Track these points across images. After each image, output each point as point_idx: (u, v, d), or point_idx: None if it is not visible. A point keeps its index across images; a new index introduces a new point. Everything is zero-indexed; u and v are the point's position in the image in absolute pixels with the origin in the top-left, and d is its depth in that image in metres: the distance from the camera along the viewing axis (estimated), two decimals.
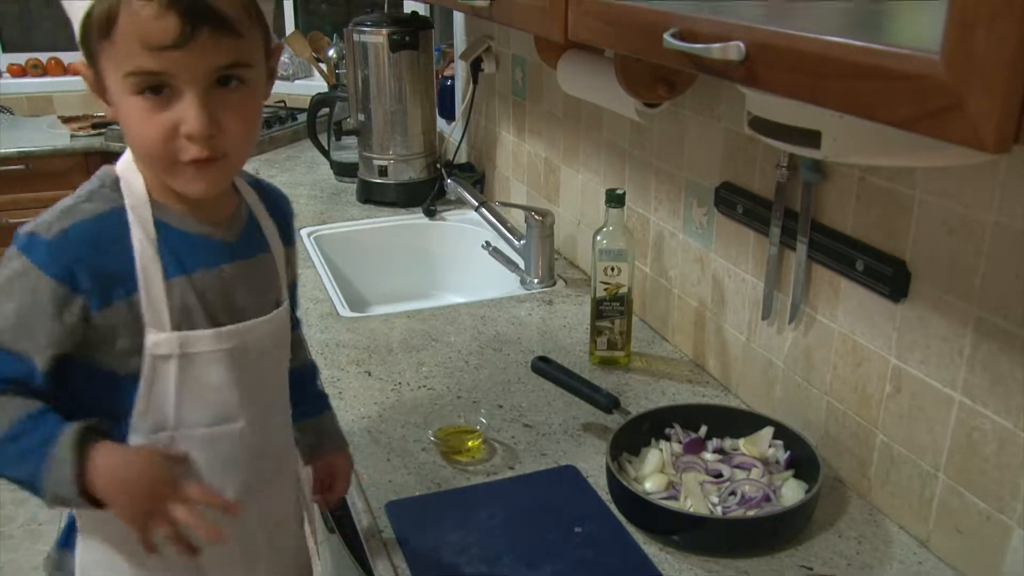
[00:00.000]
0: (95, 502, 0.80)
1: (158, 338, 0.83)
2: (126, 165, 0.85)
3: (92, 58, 0.78)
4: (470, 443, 1.20)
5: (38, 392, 0.82)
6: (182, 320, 0.84)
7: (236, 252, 0.90)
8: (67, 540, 0.94)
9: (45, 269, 0.78)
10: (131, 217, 0.82)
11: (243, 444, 0.90)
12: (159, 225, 0.84)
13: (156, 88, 0.76)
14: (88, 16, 0.75)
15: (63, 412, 0.82)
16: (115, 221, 0.82)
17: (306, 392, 1.07)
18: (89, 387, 0.86)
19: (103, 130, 3.10)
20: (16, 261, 0.79)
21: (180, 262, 0.84)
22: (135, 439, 0.85)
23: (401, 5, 2.90)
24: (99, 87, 0.80)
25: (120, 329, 0.82)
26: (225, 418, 0.88)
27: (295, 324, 1.06)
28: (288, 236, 0.99)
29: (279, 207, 0.99)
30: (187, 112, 0.76)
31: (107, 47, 0.75)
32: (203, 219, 0.87)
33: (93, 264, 0.80)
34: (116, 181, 0.85)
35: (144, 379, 0.84)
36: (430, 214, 2.18)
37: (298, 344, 1.08)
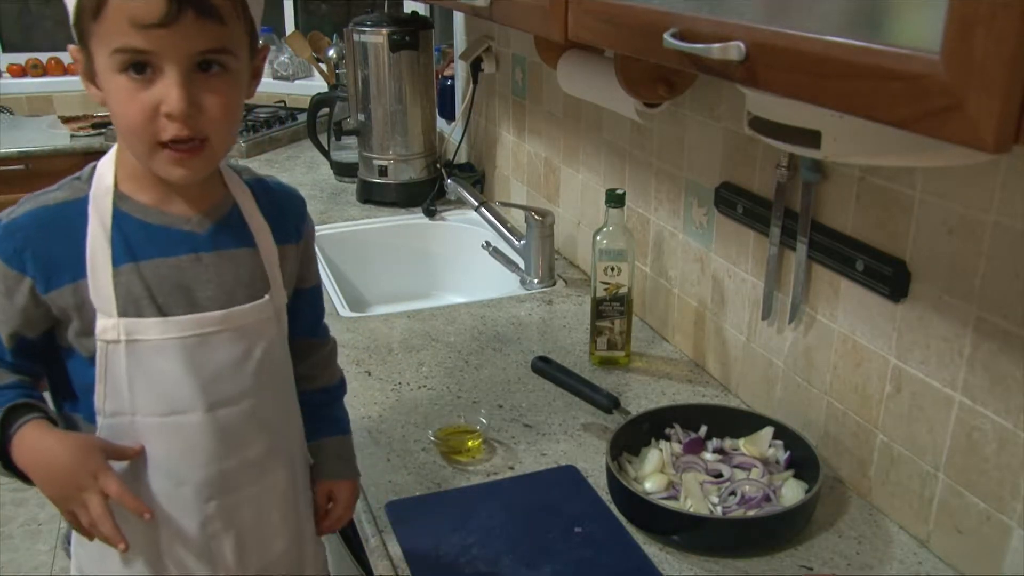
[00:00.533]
0: (22, 476, 0.84)
1: (105, 323, 0.85)
2: (107, 159, 0.89)
3: (83, 41, 0.80)
4: (470, 443, 1.21)
5: (13, 368, 0.87)
6: (128, 307, 0.85)
7: (204, 243, 0.89)
8: (69, 540, 0.96)
9: None
10: (91, 206, 0.86)
11: (204, 436, 0.89)
12: (116, 214, 0.86)
13: (139, 67, 0.77)
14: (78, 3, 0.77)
15: (54, 394, 0.87)
16: (75, 210, 0.85)
17: (322, 413, 1.06)
18: (58, 365, 0.89)
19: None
20: None
21: (131, 250, 0.86)
22: (100, 420, 0.87)
23: (401, 5, 2.90)
24: (89, 71, 0.82)
25: (70, 312, 0.85)
26: (178, 409, 0.88)
27: (310, 332, 1.04)
28: (287, 235, 0.97)
29: (280, 206, 0.98)
30: (168, 91, 0.78)
31: (96, 27, 0.77)
32: (172, 211, 0.88)
33: (40, 248, 0.83)
34: (91, 172, 0.88)
35: (98, 362, 0.86)
36: (430, 214, 2.18)
37: (320, 361, 1.06)
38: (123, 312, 0.85)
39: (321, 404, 1.06)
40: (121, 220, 0.86)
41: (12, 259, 0.83)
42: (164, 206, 0.88)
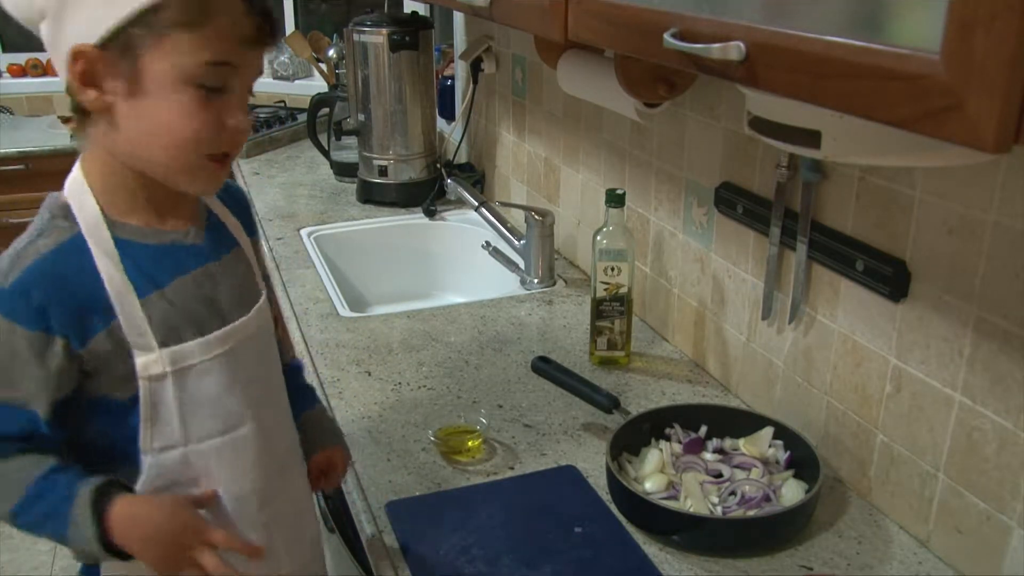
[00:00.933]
0: (123, 555, 0.81)
1: (147, 359, 0.82)
2: (74, 188, 0.83)
3: (127, 46, 0.75)
4: (470, 443, 1.20)
5: (47, 441, 0.82)
6: (168, 336, 0.83)
7: (207, 253, 0.89)
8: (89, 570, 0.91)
9: (14, 319, 0.77)
10: (90, 243, 0.80)
11: (254, 447, 0.90)
12: (120, 244, 0.82)
13: (215, 81, 0.78)
14: (156, 6, 0.74)
15: (73, 455, 0.83)
16: (74, 251, 0.80)
17: (296, 387, 1.06)
18: (92, 420, 0.85)
19: None
20: None
21: (151, 278, 0.83)
22: (147, 460, 0.84)
23: (401, 5, 2.90)
24: (109, 74, 0.77)
25: (110, 357, 0.81)
26: (232, 425, 0.88)
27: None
28: (251, 227, 0.98)
29: (237, 200, 0.98)
30: (235, 107, 0.81)
31: (178, 38, 0.75)
32: (168, 227, 0.86)
33: (62, 302, 0.78)
34: (66, 208, 0.82)
35: (143, 402, 0.83)
36: (430, 214, 2.18)
37: (282, 337, 1.06)
38: (163, 343, 0.82)
39: (294, 378, 1.05)
40: (125, 249, 0.82)
41: (35, 321, 0.77)
42: (160, 224, 0.86)
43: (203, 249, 0.88)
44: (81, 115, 0.81)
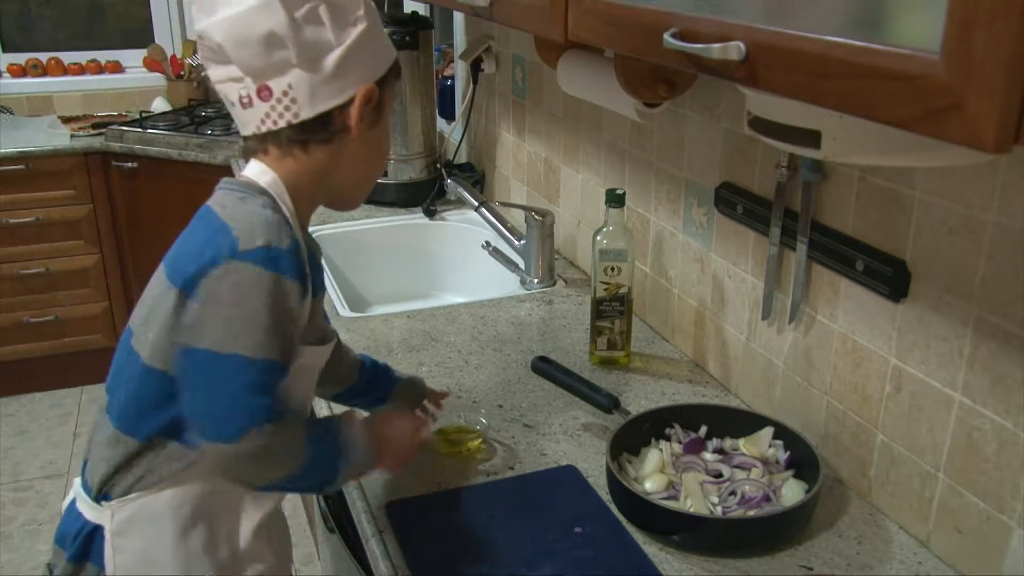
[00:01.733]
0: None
1: (299, 348, 0.95)
2: (274, 188, 0.94)
3: (382, 86, 0.97)
4: (470, 443, 1.20)
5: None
6: (308, 335, 0.96)
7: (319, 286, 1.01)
8: (84, 552, 0.96)
9: (290, 274, 0.87)
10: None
11: None
12: (307, 247, 0.95)
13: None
14: (394, 63, 1.00)
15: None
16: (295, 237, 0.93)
17: (378, 365, 1.23)
18: None
19: (103, 130, 3.10)
20: (267, 276, 0.85)
21: (315, 285, 0.96)
22: None
23: (401, 5, 2.90)
24: (375, 112, 0.96)
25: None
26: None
27: None
28: (322, 284, 1.08)
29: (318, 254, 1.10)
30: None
31: (395, 83, 1.00)
32: (311, 245, 0.99)
33: (307, 268, 0.92)
34: (271, 199, 0.93)
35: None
36: (430, 214, 2.18)
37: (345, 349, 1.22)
38: (303, 339, 0.95)
39: (373, 363, 1.22)
40: (309, 256, 0.94)
41: (303, 278, 0.90)
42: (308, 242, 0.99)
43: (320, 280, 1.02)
44: (314, 135, 0.94)
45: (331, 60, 0.91)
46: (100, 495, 0.96)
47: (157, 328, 0.89)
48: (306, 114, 0.91)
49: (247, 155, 0.96)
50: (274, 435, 0.86)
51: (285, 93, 0.90)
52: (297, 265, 0.88)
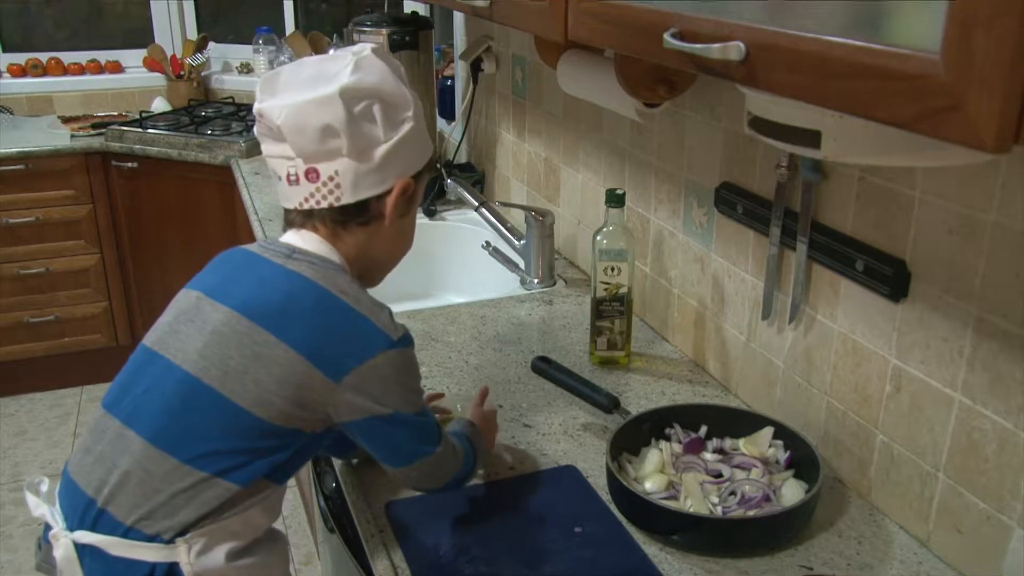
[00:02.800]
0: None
1: None
2: (347, 270, 1.04)
3: (416, 181, 1.06)
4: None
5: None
6: None
7: None
8: None
9: (414, 344, 1.02)
10: None
11: None
12: None
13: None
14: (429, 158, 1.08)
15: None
16: None
17: None
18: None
19: (103, 130, 3.10)
20: (412, 352, 1.01)
21: None
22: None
23: (401, 5, 2.90)
24: (407, 203, 1.05)
25: None
26: None
27: None
28: None
29: None
30: None
31: (426, 176, 1.08)
32: None
33: None
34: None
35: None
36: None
37: None
38: None
39: None
40: None
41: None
42: None
43: None
44: (353, 218, 1.02)
45: (378, 154, 0.99)
46: (175, 535, 0.95)
47: (292, 401, 0.95)
48: (347, 199, 1.00)
49: (288, 224, 1.06)
50: (440, 456, 1.03)
51: (331, 178, 0.99)
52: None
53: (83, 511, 0.97)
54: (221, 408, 0.94)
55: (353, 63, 0.97)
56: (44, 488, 1.05)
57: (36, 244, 3.12)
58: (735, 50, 0.72)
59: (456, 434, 1.10)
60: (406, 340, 1.00)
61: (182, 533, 0.94)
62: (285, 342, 0.94)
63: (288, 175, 1.01)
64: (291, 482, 2.76)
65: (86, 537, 0.96)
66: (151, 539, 0.94)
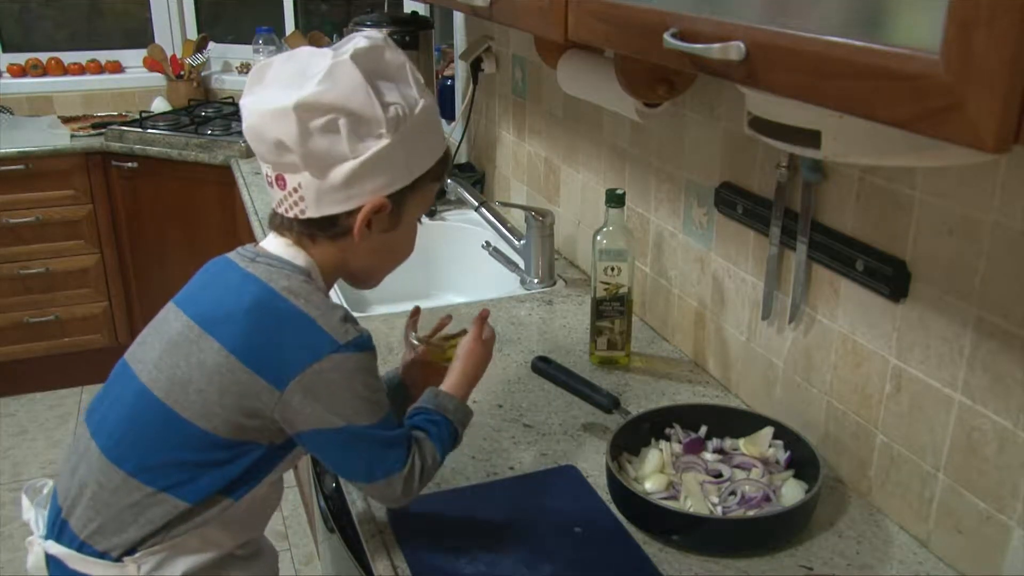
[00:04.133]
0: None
1: None
2: (311, 269, 0.98)
3: (402, 195, 0.96)
4: (449, 353, 1.16)
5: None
6: None
7: None
8: None
9: (373, 346, 0.96)
10: None
11: None
12: None
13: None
14: (432, 167, 0.98)
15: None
16: None
17: None
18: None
19: (103, 130, 3.10)
20: (367, 358, 0.94)
21: None
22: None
23: (401, 5, 2.90)
24: (389, 219, 0.97)
25: None
26: None
27: None
28: None
29: None
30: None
31: (429, 187, 0.99)
32: None
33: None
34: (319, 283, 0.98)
35: None
36: (430, 214, 2.18)
37: None
38: None
39: None
40: None
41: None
42: None
43: None
44: (320, 231, 0.96)
45: (342, 171, 0.91)
46: (124, 553, 0.93)
47: (236, 411, 0.91)
48: (311, 213, 0.94)
49: (271, 225, 1.01)
50: (409, 474, 0.96)
51: (295, 190, 0.93)
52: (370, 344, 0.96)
53: (54, 520, 0.98)
54: (167, 420, 0.91)
55: (326, 70, 0.88)
56: (45, 491, 1.04)
57: (36, 244, 3.12)
58: (735, 50, 0.72)
59: (430, 420, 1.01)
60: (358, 344, 0.92)
61: (130, 551, 0.93)
62: (226, 348, 0.90)
63: (266, 175, 0.97)
64: (291, 482, 2.75)
65: (52, 547, 0.97)
66: (101, 556, 0.93)
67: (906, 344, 1.03)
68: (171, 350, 0.93)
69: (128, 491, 0.92)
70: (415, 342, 1.20)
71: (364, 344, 0.93)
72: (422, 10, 2.55)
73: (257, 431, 0.92)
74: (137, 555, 0.93)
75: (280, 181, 0.94)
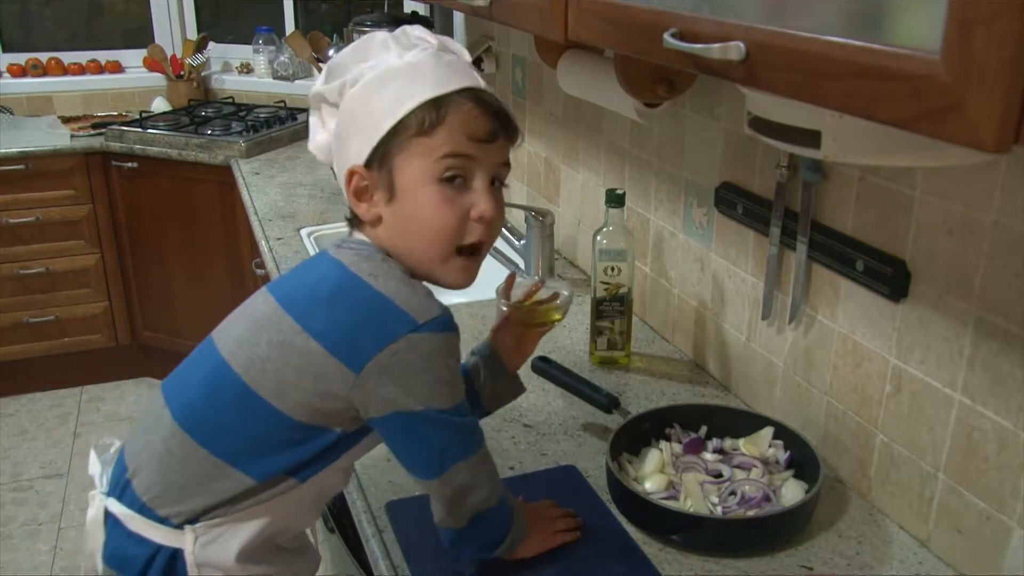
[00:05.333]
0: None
1: None
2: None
3: (383, 162, 0.90)
4: (556, 315, 1.14)
5: None
6: None
7: None
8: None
9: (456, 328, 0.92)
10: None
11: None
12: None
13: (453, 178, 0.90)
14: (400, 122, 0.89)
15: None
16: None
17: None
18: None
19: (103, 130, 3.10)
20: (448, 339, 0.90)
21: None
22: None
23: (401, 5, 2.90)
24: (374, 187, 0.91)
25: None
26: None
27: None
28: None
29: None
30: (480, 197, 0.92)
31: (417, 143, 0.89)
32: None
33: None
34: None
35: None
36: None
37: None
38: None
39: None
40: None
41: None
42: None
43: None
44: (359, 222, 0.95)
45: (331, 152, 0.96)
46: (184, 521, 0.94)
47: (311, 393, 0.90)
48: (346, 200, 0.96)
49: None
50: (478, 463, 0.93)
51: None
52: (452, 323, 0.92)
53: (118, 479, 0.99)
54: (243, 397, 0.92)
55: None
56: (112, 450, 1.05)
57: (36, 244, 3.12)
58: (735, 50, 0.72)
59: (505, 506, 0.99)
60: (438, 324, 0.89)
61: (191, 521, 0.94)
62: (305, 330, 0.90)
63: None
64: None
65: (112, 505, 0.97)
66: (161, 521, 0.94)
67: (906, 344, 1.03)
68: (254, 329, 0.94)
69: (197, 461, 0.93)
70: (505, 308, 1.16)
71: (445, 324, 0.90)
72: (422, 10, 2.55)
73: (330, 415, 0.92)
74: (198, 525, 0.93)
75: None
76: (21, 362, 3.26)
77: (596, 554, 1.02)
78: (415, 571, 1.00)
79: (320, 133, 0.97)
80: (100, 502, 0.99)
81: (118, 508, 0.97)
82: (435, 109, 0.89)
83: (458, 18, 2.46)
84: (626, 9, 0.93)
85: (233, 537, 0.94)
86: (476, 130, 0.90)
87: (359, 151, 0.91)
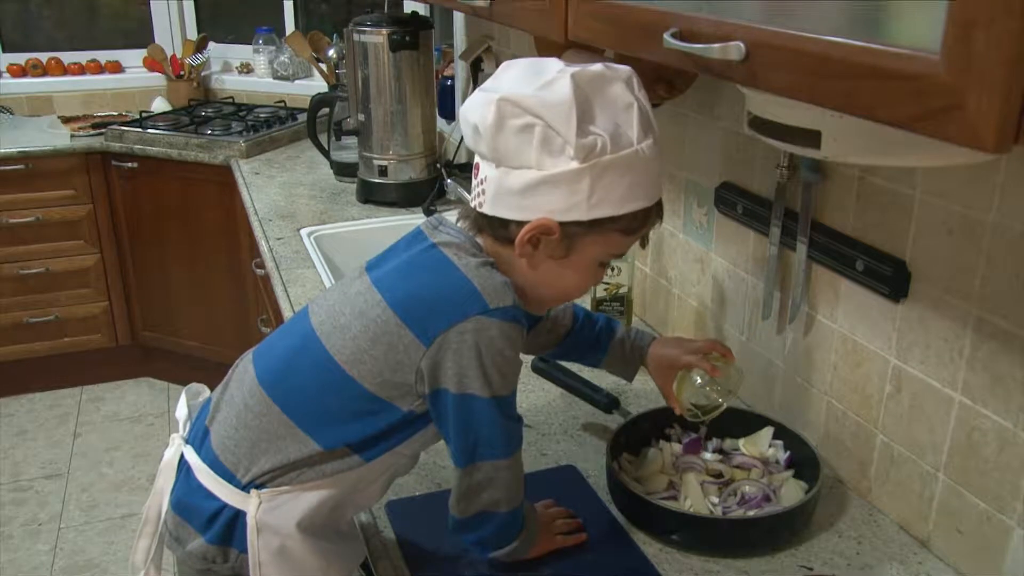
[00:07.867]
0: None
1: None
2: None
3: (574, 235, 0.92)
4: (713, 413, 1.14)
5: None
6: None
7: None
8: (226, 536, 0.96)
9: (523, 323, 0.93)
10: None
11: None
12: None
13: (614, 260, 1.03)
14: (613, 218, 0.91)
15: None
16: None
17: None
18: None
19: (103, 130, 3.10)
20: (513, 329, 0.91)
21: None
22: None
23: (401, 5, 2.90)
24: (552, 244, 0.93)
25: None
26: None
27: None
28: None
29: None
30: (602, 273, 1.03)
31: (614, 236, 0.94)
32: None
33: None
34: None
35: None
36: (430, 214, 2.18)
37: None
38: None
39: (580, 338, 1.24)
40: None
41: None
42: None
43: None
44: (490, 228, 0.95)
45: (523, 178, 0.90)
46: (251, 483, 0.95)
47: (383, 362, 0.91)
48: (487, 209, 0.93)
49: (461, 214, 1.00)
50: (507, 468, 0.94)
51: (482, 181, 0.93)
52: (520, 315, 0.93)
53: (198, 428, 1.02)
54: (322, 361, 0.94)
55: (550, 78, 0.89)
56: (201, 398, 1.09)
57: (36, 244, 3.12)
58: (735, 50, 0.72)
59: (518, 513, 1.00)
60: (507, 313, 0.90)
61: (258, 485, 0.95)
62: (386, 300, 0.93)
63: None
64: None
65: (189, 453, 1.00)
66: (230, 479, 0.95)
67: (906, 344, 1.03)
68: (343, 300, 0.97)
69: (270, 419, 0.95)
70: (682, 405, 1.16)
71: (515, 316, 0.91)
72: (422, 10, 2.55)
73: (399, 389, 0.92)
74: (264, 491, 0.95)
75: (476, 168, 0.96)
76: (21, 362, 3.26)
77: (596, 554, 1.02)
78: (415, 571, 1.00)
79: (528, 150, 0.90)
80: (179, 446, 1.02)
81: (193, 457, 0.99)
82: (644, 217, 0.94)
83: (458, 18, 2.46)
84: (626, 9, 0.93)
85: (296, 506, 0.95)
86: (650, 231, 0.99)
87: (564, 211, 0.90)
